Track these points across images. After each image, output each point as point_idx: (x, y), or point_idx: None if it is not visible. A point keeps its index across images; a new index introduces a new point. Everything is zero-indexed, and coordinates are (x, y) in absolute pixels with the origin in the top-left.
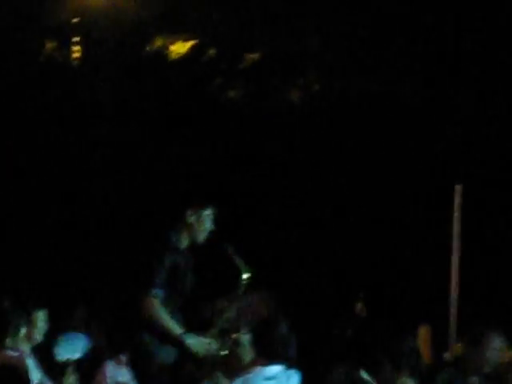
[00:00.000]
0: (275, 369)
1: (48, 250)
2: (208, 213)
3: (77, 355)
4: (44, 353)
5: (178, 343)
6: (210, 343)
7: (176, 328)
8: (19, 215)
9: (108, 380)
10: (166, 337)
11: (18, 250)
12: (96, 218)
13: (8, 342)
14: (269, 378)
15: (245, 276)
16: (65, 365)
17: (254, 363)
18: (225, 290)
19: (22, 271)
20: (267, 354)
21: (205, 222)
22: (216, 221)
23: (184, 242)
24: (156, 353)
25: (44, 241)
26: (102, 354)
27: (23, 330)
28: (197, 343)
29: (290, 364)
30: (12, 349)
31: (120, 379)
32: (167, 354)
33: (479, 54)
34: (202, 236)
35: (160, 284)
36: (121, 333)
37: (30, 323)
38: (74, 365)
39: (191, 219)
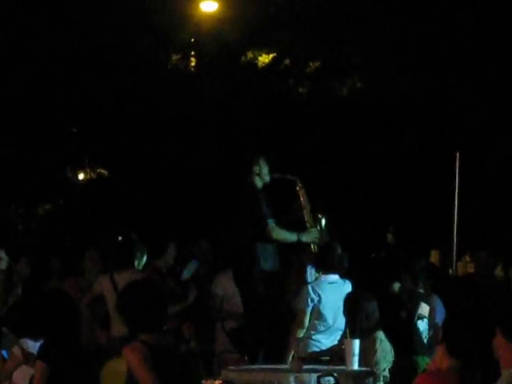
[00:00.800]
0: (335, 277)
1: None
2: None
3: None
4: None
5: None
6: (314, 233)
7: (294, 235)
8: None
9: (216, 288)
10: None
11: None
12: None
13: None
14: (331, 283)
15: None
16: (186, 282)
17: (318, 273)
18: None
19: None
20: (328, 267)
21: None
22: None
23: (259, 185)
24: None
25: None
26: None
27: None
28: (309, 236)
29: (343, 275)
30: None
31: (227, 287)
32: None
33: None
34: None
35: (268, 214)
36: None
37: (165, 252)
38: (192, 281)
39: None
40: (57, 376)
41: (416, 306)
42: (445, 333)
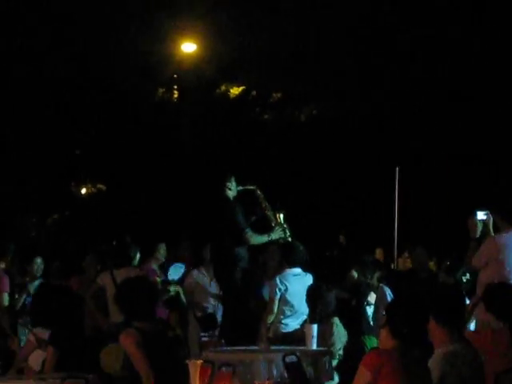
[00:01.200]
0: (298, 270)
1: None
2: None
3: (178, 276)
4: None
5: None
6: (280, 230)
7: (265, 237)
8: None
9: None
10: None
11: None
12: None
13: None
14: (295, 275)
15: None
16: (172, 282)
17: (283, 267)
18: None
19: (145, 217)
20: (292, 262)
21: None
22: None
23: (231, 197)
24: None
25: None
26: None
27: (138, 257)
28: (276, 233)
29: (305, 268)
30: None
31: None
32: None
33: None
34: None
35: (244, 223)
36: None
37: (155, 251)
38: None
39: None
40: (64, 358)
41: (366, 295)
42: (388, 318)
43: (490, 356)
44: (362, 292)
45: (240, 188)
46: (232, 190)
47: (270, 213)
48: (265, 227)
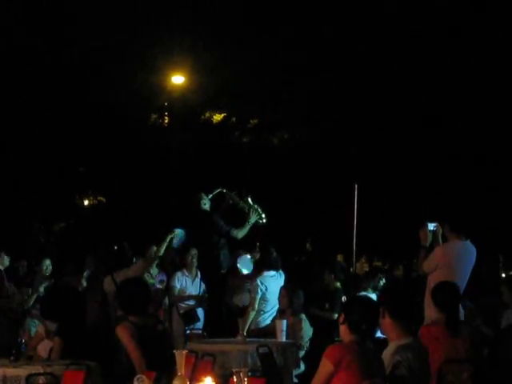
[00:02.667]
0: (273, 272)
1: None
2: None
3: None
4: None
5: None
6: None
7: (246, 226)
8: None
9: (173, 282)
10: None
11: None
12: None
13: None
14: (272, 276)
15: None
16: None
17: (260, 271)
18: None
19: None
20: (269, 265)
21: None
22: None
23: (208, 208)
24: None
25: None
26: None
27: (133, 259)
28: (253, 218)
29: (278, 270)
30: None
31: (181, 281)
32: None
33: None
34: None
35: (225, 226)
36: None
37: (147, 252)
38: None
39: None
40: (68, 347)
41: (339, 299)
42: (345, 315)
43: (433, 348)
44: (336, 298)
45: (210, 196)
46: (206, 203)
47: (240, 202)
48: (242, 217)
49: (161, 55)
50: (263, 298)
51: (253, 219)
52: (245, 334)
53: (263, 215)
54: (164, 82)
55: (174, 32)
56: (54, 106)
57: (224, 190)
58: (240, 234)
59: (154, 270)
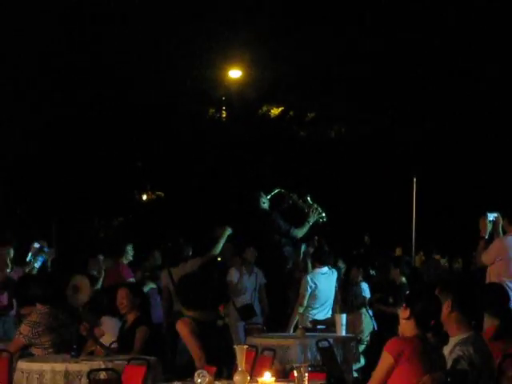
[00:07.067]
0: (325, 269)
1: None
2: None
3: None
4: None
5: None
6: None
7: (306, 225)
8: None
9: (229, 277)
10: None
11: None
12: None
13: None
14: (323, 273)
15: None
16: None
17: (313, 267)
18: None
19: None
20: (321, 262)
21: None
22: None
23: (267, 207)
24: None
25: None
26: None
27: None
28: (313, 217)
29: (331, 266)
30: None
31: (237, 277)
32: None
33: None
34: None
35: (285, 225)
36: None
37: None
38: None
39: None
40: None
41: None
42: (412, 311)
43: (491, 345)
44: (401, 293)
45: (269, 196)
46: (265, 202)
47: (299, 202)
48: (301, 217)
49: (218, 49)
50: (312, 295)
51: (312, 218)
52: (291, 330)
53: (323, 214)
54: (221, 76)
55: (231, 26)
56: (113, 103)
57: (282, 191)
58: (300, 233)
59: None
